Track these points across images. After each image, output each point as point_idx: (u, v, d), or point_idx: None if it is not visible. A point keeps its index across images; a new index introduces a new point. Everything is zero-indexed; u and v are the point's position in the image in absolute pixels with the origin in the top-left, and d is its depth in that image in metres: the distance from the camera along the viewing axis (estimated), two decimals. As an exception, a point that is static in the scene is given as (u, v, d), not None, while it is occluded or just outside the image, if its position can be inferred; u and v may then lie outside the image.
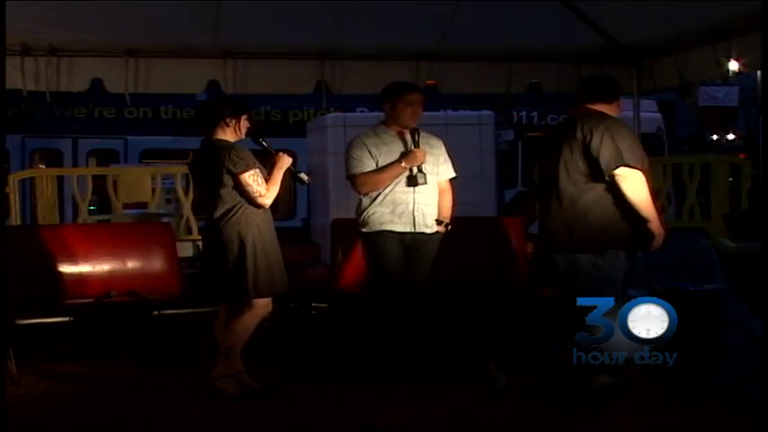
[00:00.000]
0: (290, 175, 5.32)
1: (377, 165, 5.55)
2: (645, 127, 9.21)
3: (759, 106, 22.24)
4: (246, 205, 5.07)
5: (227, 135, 5.16)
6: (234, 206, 5.06)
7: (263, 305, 5.18)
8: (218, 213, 5.08)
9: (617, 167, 4.88)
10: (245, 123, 5.21)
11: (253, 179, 5.05)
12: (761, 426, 4.24)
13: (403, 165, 5.53)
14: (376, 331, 5.53)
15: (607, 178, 4.92)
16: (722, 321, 6.05)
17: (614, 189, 4.93)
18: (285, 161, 5.24)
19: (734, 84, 23.31)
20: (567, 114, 5.37)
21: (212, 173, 5.08)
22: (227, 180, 5.04)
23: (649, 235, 4.95)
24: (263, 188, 5.09)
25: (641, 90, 7.62)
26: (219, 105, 5.29)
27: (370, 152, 5.55)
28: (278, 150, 5.29)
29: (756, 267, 5.20)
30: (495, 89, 7.63)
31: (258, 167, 5.11)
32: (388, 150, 5.56)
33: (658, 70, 7.26)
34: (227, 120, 5.15)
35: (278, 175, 5.18)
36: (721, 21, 6.15)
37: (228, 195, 5.06)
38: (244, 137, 5.24)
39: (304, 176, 5.42)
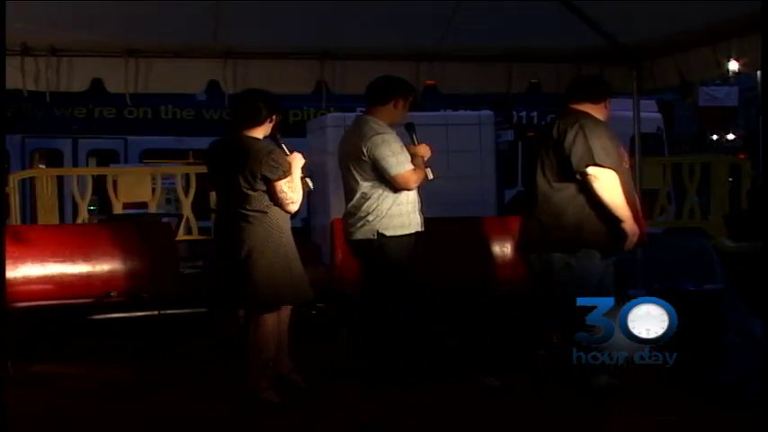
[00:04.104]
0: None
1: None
2: (645, 127, 9.19)
3: (759, 106, 22.25)
4: (272, 210, 4.95)
5: (260, 132, 5.05)
6: (260, 210, 4.93)
7: (286, 310, 5.12)
8: (241, 215, 4.92)
9: (587, 166, 4.90)
10: (276, 121, 5.12)
11: (288, 186, 4.95)
12: (761, 426, 4.24)
13: (425, 159, 5.52)
14: (396, 334, 5.44)
15: (578, 177, 4.93)
16: (722, 321, 6.05)
17: (587, 188, 4.94)
18: (300, 161, 5.11)
19: (734, 84, 23.35)
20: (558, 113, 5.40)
21: (243, 173, 4.92)
22: (260, 185, 4.90)
23: (623, 235, 4.96)
24: (296, 194, 5.00)
25: (641, 90, 7.60)
26: (260, 101, 5.09)
27: (401, 147, 5.51)
28: (292, 151, 5.15)
29: (756, 267, 5.19)
30: (495, 89, 7.61)
31: (291, 173, 5.00)
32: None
33: (658, 70, 7.25)
34: (270, 119, 5.06)
35: (297, 177, 5.06)
36: (721, 21, 6.15)
37: (256, 200, 4.92)
38: (269, 132, 5.12)
39: (309, 182, 5.24)
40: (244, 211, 4.92)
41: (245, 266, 4.91)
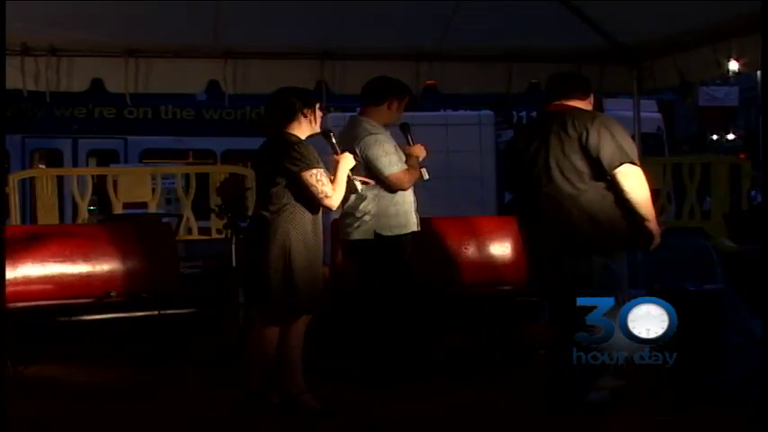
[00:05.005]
0: (347, 179, 4.93)
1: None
2: (645, 127, 9.20)
3: (759, 106, 22.25)
4: (287, 210, 4.70)
5: (303, 129, 4.82)
6: (274, 209, 4.70)
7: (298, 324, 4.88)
8: (259, 214, 4.76)
9: (621, 165, 4.76)
10: (318, 113, 4.86)
11: (315, 178, 4.67)
12: (761, 426, 4.24)
13: (420, 159, 5.52)
14: (396, 334, 5.46)
15: (609, 176, 4.78)
16: (722, 321, 6.05)
17: (615, 187, 4.81)
18: (350, 161, 4.90)
19: (734, 84, 23.36)
20: (543, 112, 5.16)
21: (268, 168, 4.77)
22: (281, 179, 4.69)
23: (647, 235, 4.86)
24: (329, 188, 4.72)
25: (641, 90, 7.61)
26: (291, 96, 4.87)
27: (394, 148, 5.51)
28: (343, 150, 4.96)
29: (756, 267, 5.18)
30: (495, 89, 7.61)
31: (322, 167, 4.74)
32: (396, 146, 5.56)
33: (658, 70, 7.25)
34: (304, 111, 4.81)
35: (343, 176, 4.83)
36: (721, 21, 6.15)
37: (277, 195, 4.70)
38: (318, 129, 4.89)
39: (359, 185, 5.00)
40: (263, 211, 4.76)
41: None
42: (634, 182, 4.78)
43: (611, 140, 4.77)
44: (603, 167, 4.76)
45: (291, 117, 4.80)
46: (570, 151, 4.82)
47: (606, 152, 4.76)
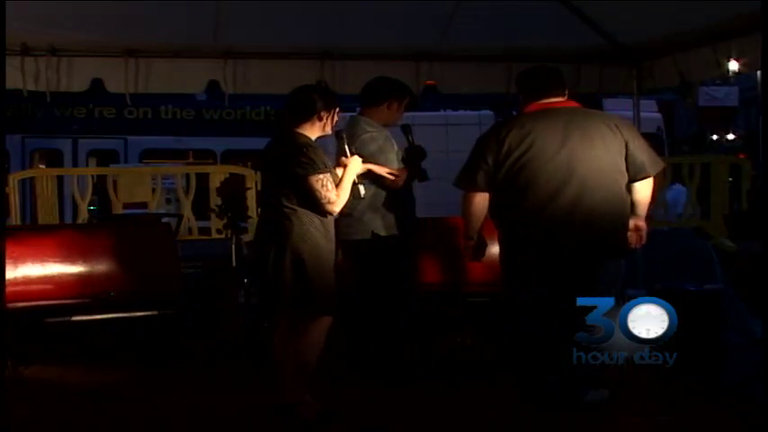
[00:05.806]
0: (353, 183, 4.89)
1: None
2: (645, 127, 9.20)
3: (759, 106, 22.27)
4: (304, 210, 4.60)
5: (314, 130, 4.73)
6: (293, 211, 4.59)
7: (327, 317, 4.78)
8: (274, 216, 4.65)
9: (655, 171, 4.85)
10: (335, 117, 4.77)
11: (321, 184, 4.56)
12: (761, 426, 4.24)
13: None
14: (396, 335, 5.47)
15: (642, 179, 4.83)
16: (722, 321, 6.05)
17: (630, 189, 4.84)
18: (358, 165, 4.89)
19: (734, 84, 23.38)
20: (546, 107, 4.92)
21: (277, 169, 4.68)
22: (289, 182, 4.60)
23: (645, 233, 4.94)
24: (333, 194, 4.62)
25: (641, 90, 7.61)
26: (314, 94, 4.80)
27: (391, 146, 5.50)
28: (354, 153, 4.97)
29: (756, 267, 5.18)
30: (495, 89, 7.62)
31: (330, 171, 4.66)
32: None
33: (658, 70, 7.26)
34: (321, 114, 4.72)
35: (349, 180, 4.79)
36: (721, 21, 6.16)
37: (288, 198, 4.60)
38: (330, 132, 4.82)
39: (362, 189, 4.98)
40: (274, 214, 4.66)
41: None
42: (649, 185, 4.88)
43: (651, 149, 4.88)
44: (631, 171, 4.80)
45: (308, 116, 4.71)
46: (616, 153, 4.79)
47: (648, 156, 4.83)
